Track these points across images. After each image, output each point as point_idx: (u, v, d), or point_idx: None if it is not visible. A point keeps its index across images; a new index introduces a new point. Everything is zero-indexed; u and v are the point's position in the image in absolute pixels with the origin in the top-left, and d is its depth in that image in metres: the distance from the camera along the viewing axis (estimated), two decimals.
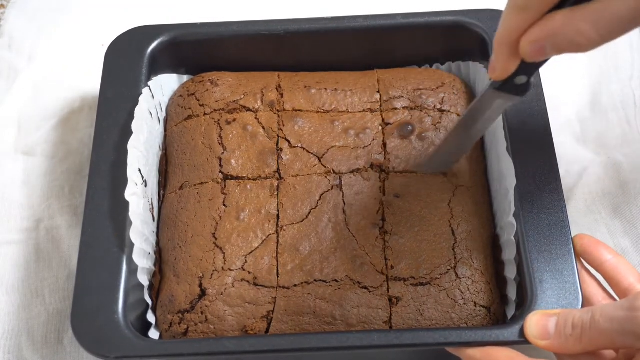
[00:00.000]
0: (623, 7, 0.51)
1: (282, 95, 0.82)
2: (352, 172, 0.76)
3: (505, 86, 0.62)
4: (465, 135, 0.71)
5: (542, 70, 0.80)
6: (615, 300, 0.69)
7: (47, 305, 0.82)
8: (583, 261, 0.71)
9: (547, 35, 0.54)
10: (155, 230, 0.77)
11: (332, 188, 0.75)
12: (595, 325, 0.60)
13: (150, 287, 0.74)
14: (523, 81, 0.61)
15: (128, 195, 0.71)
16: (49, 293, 0.82)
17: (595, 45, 0.53)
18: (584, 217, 0.85)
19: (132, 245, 0.70)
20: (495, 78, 0.61)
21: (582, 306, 0.67)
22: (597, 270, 0.70)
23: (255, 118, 0.80)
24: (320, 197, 0.75)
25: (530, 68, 0.59)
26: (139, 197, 0.73)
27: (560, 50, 0.54)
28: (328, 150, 0.78)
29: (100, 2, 1.04)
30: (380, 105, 0.81)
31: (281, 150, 0.78)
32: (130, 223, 0.71)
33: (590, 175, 0.87)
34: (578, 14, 0.52)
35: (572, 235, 0.71)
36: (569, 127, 0.91)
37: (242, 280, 0.71)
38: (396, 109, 0.80)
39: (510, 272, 0.71)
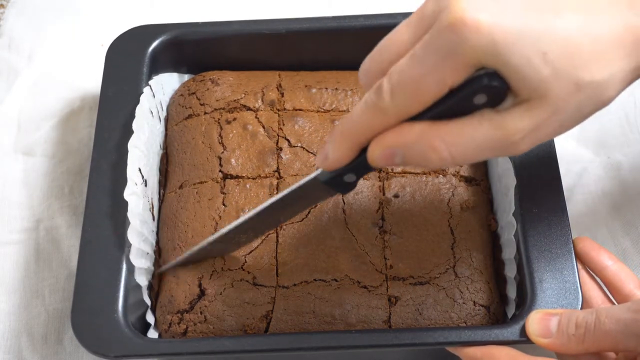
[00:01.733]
0: (479, 134, 0.51)
1: (282, 94, 0.82)
2: None
3: (333, 181, 0.60)
4: (276, 215, 0.68)
5: None
6: (614, 304, 0.69)
7: (46, 305, 0.82)
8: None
9: (401, 144, 0.53)
10: (155, 229, 0.77)
11: None
12: (601, 326, 0.60)
13: (150, 287, 0.74)
14: (352, 180, 0.59)
15: (127, 194, 0.71)
16: (49, 293, 0.82)
17: (445, 165, 0.53)
18: (584, 217, 0.84)
19: (131, 245, 0.70)
20: (325, 168, 0.58)
21: (582, 307, 0.67)
22: (598, 276, 0.70)
23: (256, 117, 0.80)
24: None
25: (362, 169, 0.58)
26: (139, 197, 0.73)
27: (408, 163, 0.54)
28: None
29: (100, 2, 1.04)
30: None
31: (281, 149, 0.78)
32: (129, 223, 0.71)
33: (590, 175, 0.87)
34: (435, 130, 0.52)
35: (572, 237, 0.71)
36: None
37: (241, 280, 0.71)
38: None
39: (510, 271, 0.71)
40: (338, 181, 0.60)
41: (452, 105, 0.51)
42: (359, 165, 0.57)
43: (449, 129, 0.52)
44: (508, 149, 0.53)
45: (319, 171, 0.61)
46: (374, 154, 0.55)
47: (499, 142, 0.52)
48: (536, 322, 0.64)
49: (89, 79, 0.93)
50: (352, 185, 0.60)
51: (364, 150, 0.56)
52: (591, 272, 0.71)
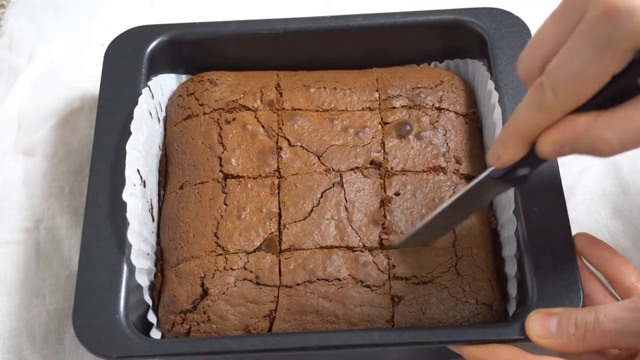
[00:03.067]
0: None
1: (281, 94, 0.82)
2: (352, 170, 0.76)
3: (506, 176, 0.61)
4: (453, 216, 0.70)
5: None
6: (616, 298, 0.69)
7: (47, 305, 0.82)
8: (583, 259, 0.72)
9: (569, 137, 0.53)
10: (155, 230, 0.77)
11: (333, 185, 0.75)
12: (600, 325, 0.60)
13: (152, 287, 0.74)
14: (525, 173, 0.60)
15: (126, 196, 0.71)
16: (49, 293, 0.82)
17: (615, 153, 0.53)
18: (584, 217, 0.85)
19: (131, 245, 0.70)
20: (498, 166, 0.60)
21: (583, 305, 0.67)
22: (599, 270, 0.71)
23: (255, 117, 0.80)
24: (322, 194, 0.75)
25: (536, 162, 0.59)
26: (137, 198, 0.73)
27: (578, 152, 0.54)
28: (327, 148, 0.78)
29: (100, 2, 1.04)
30: (379, 104, 0.81)
31: (281, 149, 0.78)
32: (128, 224, 0.71)
33: (590, 175, 0.87)
34: (602, 121, 0.52)
35: (572, 234, 0.71)
36: None
37: (244, 279, 0.71)
38: (395, 107, 0.80)
39: (511, 269, 0.71)
40: (511, 176, 0.61)
41: (616, 91, 0.51)
42: (532, 159, 0.58)
43: (616, 118, 0.52)
44: None
45: (490, 169, 0.62)
46: (543, 150, 0.55)
47: None
48: (536, 323, 0.64)
49: (89, 79, 0.93)
50: (526, 178, 0.61)
51: (534, 144, 0.57)
52: (592, 267, 0.71)
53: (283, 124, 0.79)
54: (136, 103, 0.77)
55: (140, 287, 0.71)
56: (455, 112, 0.80)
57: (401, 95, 0.81)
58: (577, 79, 0.51)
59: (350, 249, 0.72)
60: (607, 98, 0.52)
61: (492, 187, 0.64)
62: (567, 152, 0.55)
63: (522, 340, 0.65)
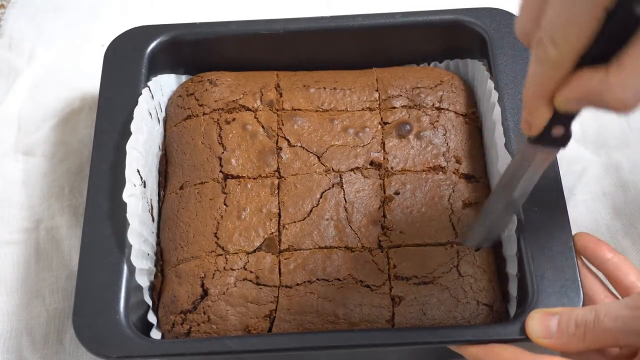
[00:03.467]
0: None
1: (281, 94, 0.82)
2: (352, 170, 0.76)
3: (542, 139, 0.59)
4: (508, 200, 0.67)
5: None
6: (616, 297, 0.70)
7: (47, 305, 0.82)
8: (584, 259, 0.72)
9: (583, 95, 0.52)
10: (155, 230, 0.77)
11: (332, 186, 0.75)
12: (600, 324, 0.60)
13: (152, 287, 0.74)
14: (561, 132, 0.58)
15: (126, 196, 0.71)
16: (49, 293, 0.82)
17: (634, 109, 0.51)
18: (584, 217, 0.85)
19: (132, 246, 0.70)
20: (533, 134, 0.58)
21: (584, 304, 0.67)
22: (599, 269, 0.71)
23: (255, 117, 0.80)
24: (322, 195, 0.75)
25: (566, 118, 0.57)
26: (138, 198, 0.73)
27: (597, 107, 0.53)
28: (327, 149, 0.78)
29: (100, 2, 1.04)
30: (379, 104, 0.81)
31: (280, 149, 0.78)
32: (128, 224, 0.71)
33: (590, 175, 0.87)
34: (613, 77, 0.50)
35: (572, 234, 0.71)
36: None
37: (244, 279, 0.71)
38: (394, 107, 0.80)
39: (512, 268, 0.71)
40: (548, 138, 0.59)
41: (617, 29, 0.49)
42: (561, 117, 0.56)
43: (626, 73, 0.50)
44: None
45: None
46: (561, 107, 0.54)
47: None
48: (536, 323, 0.64)
49: (89, 79, 0.93)
50: (566, 137, 0.59)
51: None
52: (592, 266, 0.71)
53: (283, 124, 0.79)
54: (136, 103, 0.77)
55: (140, 287, 0.71)
56: (455, 112, 0.81)
57: (401, 95, 0.81)
58: (571, 23, 0.50)
59: (350, 249, 0.73)
60: (610, 40, 0.50)
61: (535, 153, 0.61)
62: (588, 106, 0.53)
63: (523, 340, 0.65)
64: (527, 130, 0.58)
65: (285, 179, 0.76)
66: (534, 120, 0.57)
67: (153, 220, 0.77)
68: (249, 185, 0.76)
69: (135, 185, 0.73)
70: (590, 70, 0.51)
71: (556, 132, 0.58)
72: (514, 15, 0.82)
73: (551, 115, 0.56)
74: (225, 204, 0.75)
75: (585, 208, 0.85)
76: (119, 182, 0.73)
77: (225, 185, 0.76)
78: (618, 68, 0.50)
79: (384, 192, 0.75)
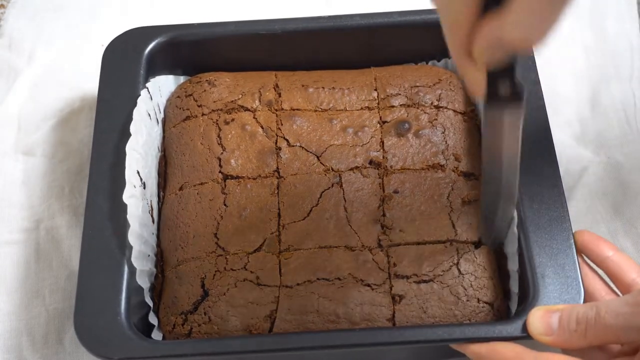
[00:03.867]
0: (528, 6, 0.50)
1: (279, 94, 0.82)
2: (351, 169, 0.77)
3: (495, 98, 0.58)
4: (499, 180, 0.65)
5: (541, 70, 0.81)
6: (617, 294, 0.70)
7: (47, 305, 0.82)
8: (584, 256, 0.72)
9: (491, 41, 0.52)
10: (155, 232, 0.77)
11: (332, 186, 0.75)
12: (601, 321, 0.61)
13: (152, 288, 0.74)
14: (507, 87, 0.57)
15: (126, 197, 0.71)
16: (49, 293, 0.82)
17: (539, 44, 0.51)
18: (584, 217, 0.85)
19: (132, 247, 0.70)
20: (479, 93, 0.58)
21: (585, 301, 0.67)
22: (599, 266, 0.71)
23: (254, 118, 0.80)
24: (321, 194, 0.75)
25: (503, 72, 0.56)
26: (138, 199, 0.73)
27: (509, 51, 0.53)
28: (327, 148, 0.78)
29: (100, 2, 1.04)
30: (378, 103, 0.81)
31: (280, 149, 0.78)
32: (129, 226, 0.71)
33: (590, 175, 0.87)
34: (508, 21, 0.50)
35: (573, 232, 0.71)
36: (568, 127, 0.91)
37: (244, 280, 0.71)
38: (393, 106, 0.81)
39: (513, 265, 0.71)
40: (497, 94, 0.57)
41: None
42: (497, 70, 0.56)
43: (517, 9, 0.49)
44: None
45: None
46: (479, 59, 0.54)
47: None
48: (537, 320, 0.65)
49: (89, 79, 0.92)
50: (516, 90, 0.57)
51: None
52: (593, 263, 0.72)
53: (282, 124, 0.79)
54: (135, 104, 0.77)
55: (141, 288, 0.71)
56: (454, 110, 0.81)
57: (400, 94, 0.81)
58: None
59: (350, 248, 0.73)
60: None
61: (498, 116, 0.59)
62: (503, 54, 0.53)
63: (524, 337, 0.65)
64: (475, 91, 0.58)
65: (284, 179, 0.76)
66: (470, 79, 0.57)
67: (153, 221, 0.77)
68: (248, 186, 0.76)
69: (135, 187, 0.73)
70: (490, 17, 0.51)
71: (503, 88, 0.57)
72: None
73: (485, 72, 0.56)
74: (225, 205, 0.75)
75: (585, 208, 0.85)
76: (119, 183, 0.73)
77: (225, 185, 0.76)
78: (509, 8, 0.50)
79: (384, 190, 0.76)
